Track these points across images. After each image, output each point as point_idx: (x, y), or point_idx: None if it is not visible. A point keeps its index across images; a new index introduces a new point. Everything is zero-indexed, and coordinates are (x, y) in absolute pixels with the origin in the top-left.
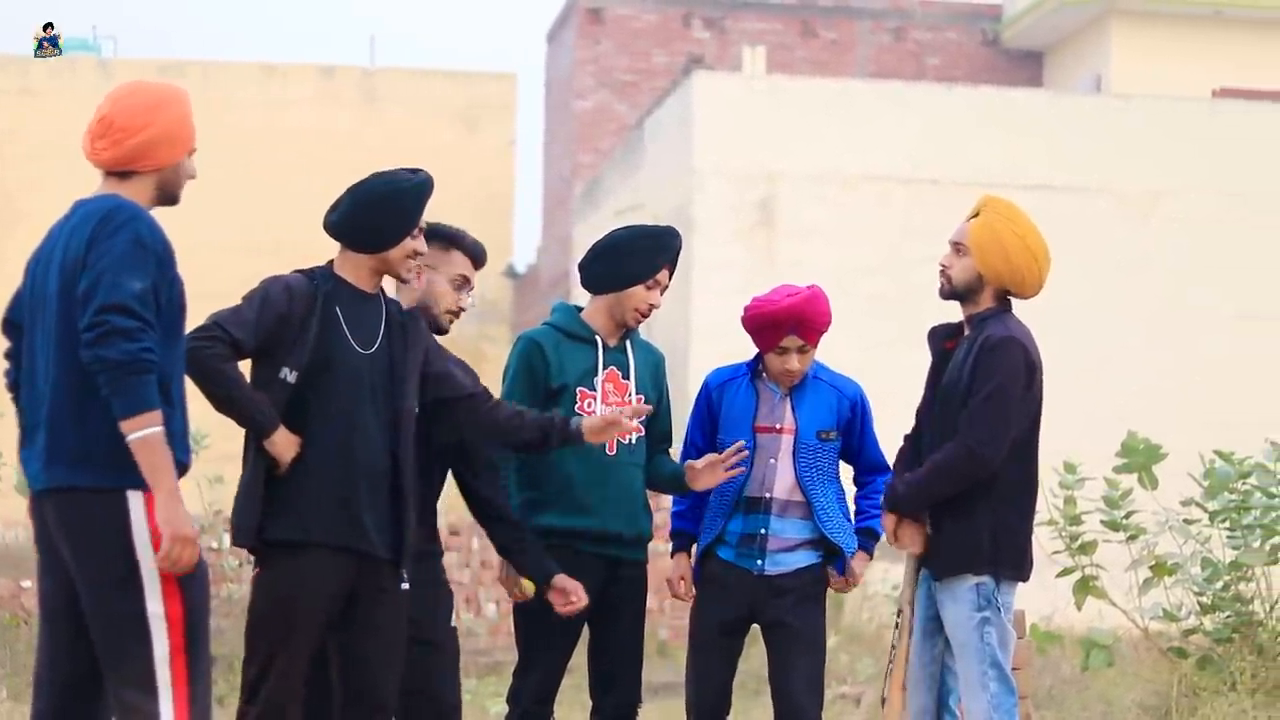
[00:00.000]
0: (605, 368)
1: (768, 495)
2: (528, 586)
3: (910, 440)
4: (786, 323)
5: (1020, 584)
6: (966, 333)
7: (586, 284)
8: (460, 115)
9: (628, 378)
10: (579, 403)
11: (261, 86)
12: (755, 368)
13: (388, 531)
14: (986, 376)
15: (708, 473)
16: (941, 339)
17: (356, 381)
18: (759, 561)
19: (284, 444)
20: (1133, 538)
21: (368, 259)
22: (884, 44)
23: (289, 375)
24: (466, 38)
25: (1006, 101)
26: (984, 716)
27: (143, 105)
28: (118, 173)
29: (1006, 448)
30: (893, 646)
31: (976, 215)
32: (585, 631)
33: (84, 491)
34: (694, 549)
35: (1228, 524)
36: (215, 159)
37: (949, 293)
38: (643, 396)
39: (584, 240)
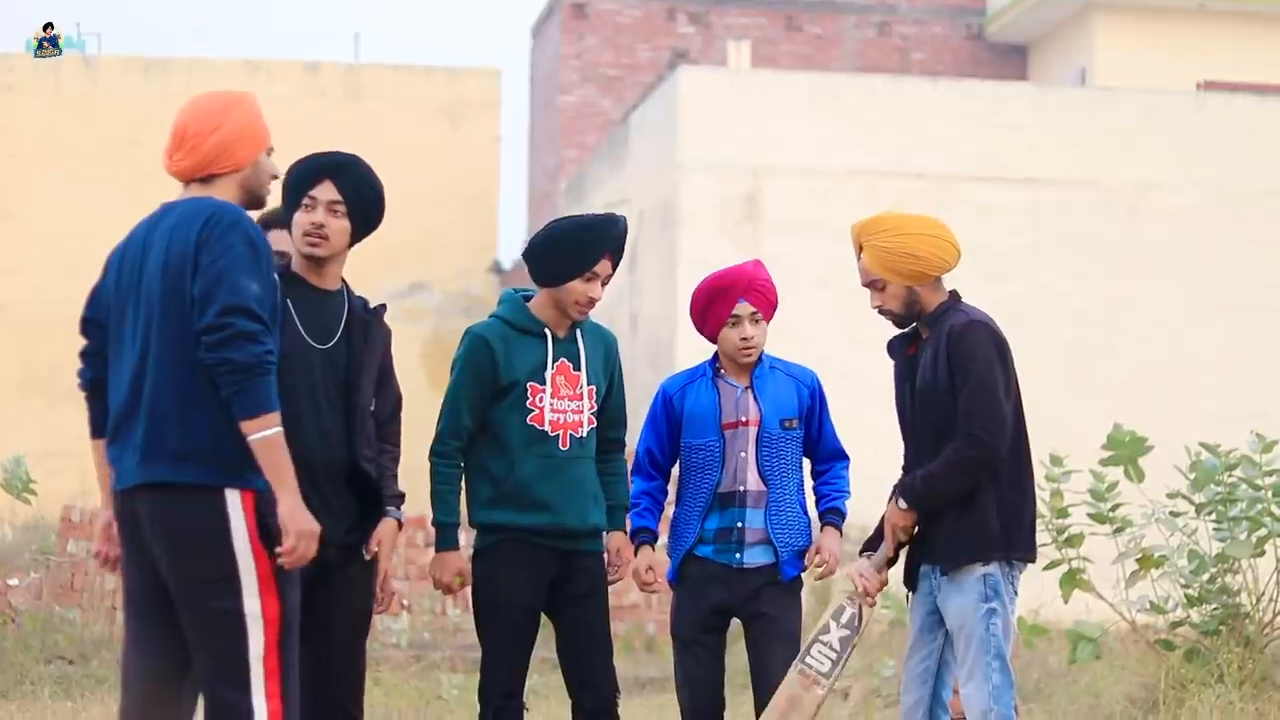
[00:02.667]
0: (555, 360)
1: (741, 489)
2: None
3: (905, 462)
4: (736, 285)
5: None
6: (925, 335)
7: (532, 277)
8: (445, 111)
9: (579, 369)
10: (530, 397)
11: (246, 83)
12: (714, 366)
13: (345, 519)
14: (964, 365)
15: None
16: (902, 347)
17: (309, 375)
18: (737, 555)
19: None
20: (1119, 530)
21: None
22: (868, 38)
23: None
24: (451, 34)
25: (991, 95)
26: (984, 706)
27: (212, 109)
28: (200, 179)
29: (1009, 430)
30: (827, 629)
31: (861, 249)
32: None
33: (183, 489)
34: (657, 545)
35: (1214, 516)
36: None
37: (900, 320)
38: (594, 388)
39: None
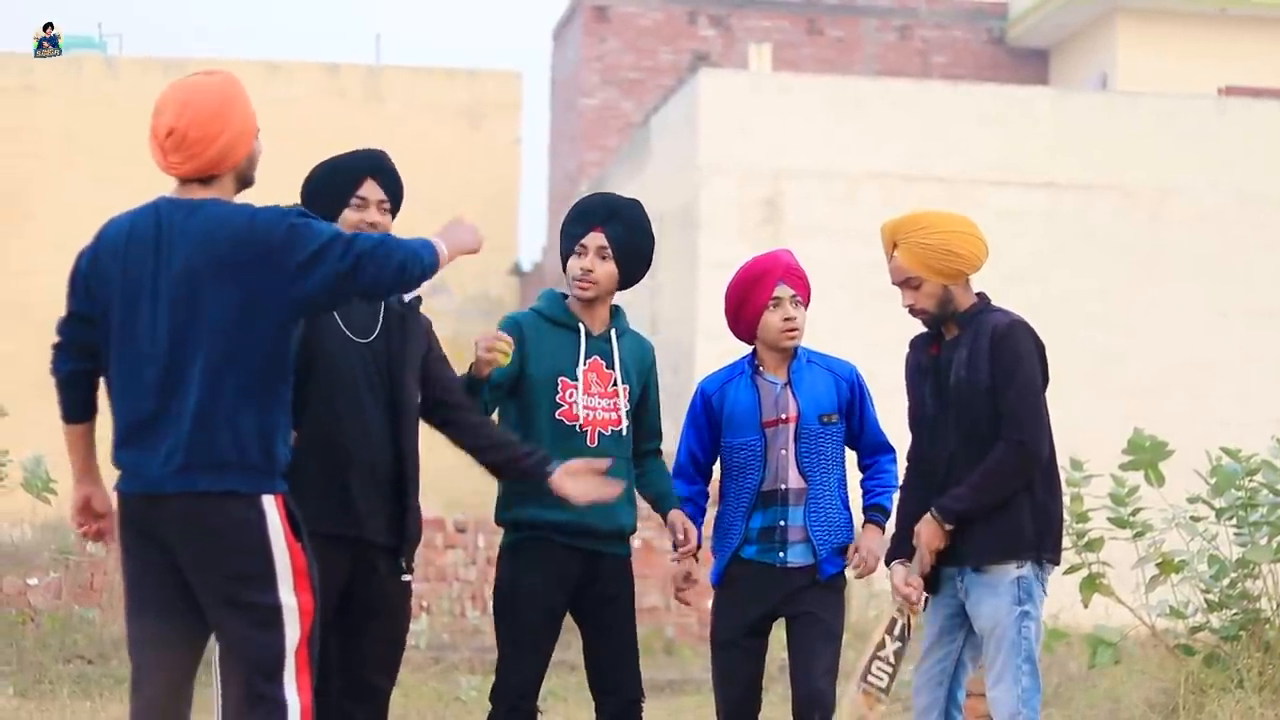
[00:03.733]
0: (588, 357)
1: (783, 487)
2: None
3: (913, 461)
4: (774, 269)
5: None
6: (953, 334)
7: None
8: (466, 113)
9: (611, 367)
10: (560, 392)
11: (267, 84)
12: (752, 363)
13: (388, 520)
14: (1009, 366)
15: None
16: (925, 345)
17: (350, 370)
18: (781, 554)
19: None
20: (1139, 535)
21: None
22: (890, 42)
23: None
24: (472, 36)
25: (1012, 99)
26: (1012, 709)
27: (210, 113)
28: (199, 179)
29: (1050, 435)
30: (883, 645)
31: (895, 247)
32: (575, 631)
33: (223, 495)
34: (703, 552)
35: (1235, 521)
36: None
37: (932, 320)
38: (627, 388)
39: None
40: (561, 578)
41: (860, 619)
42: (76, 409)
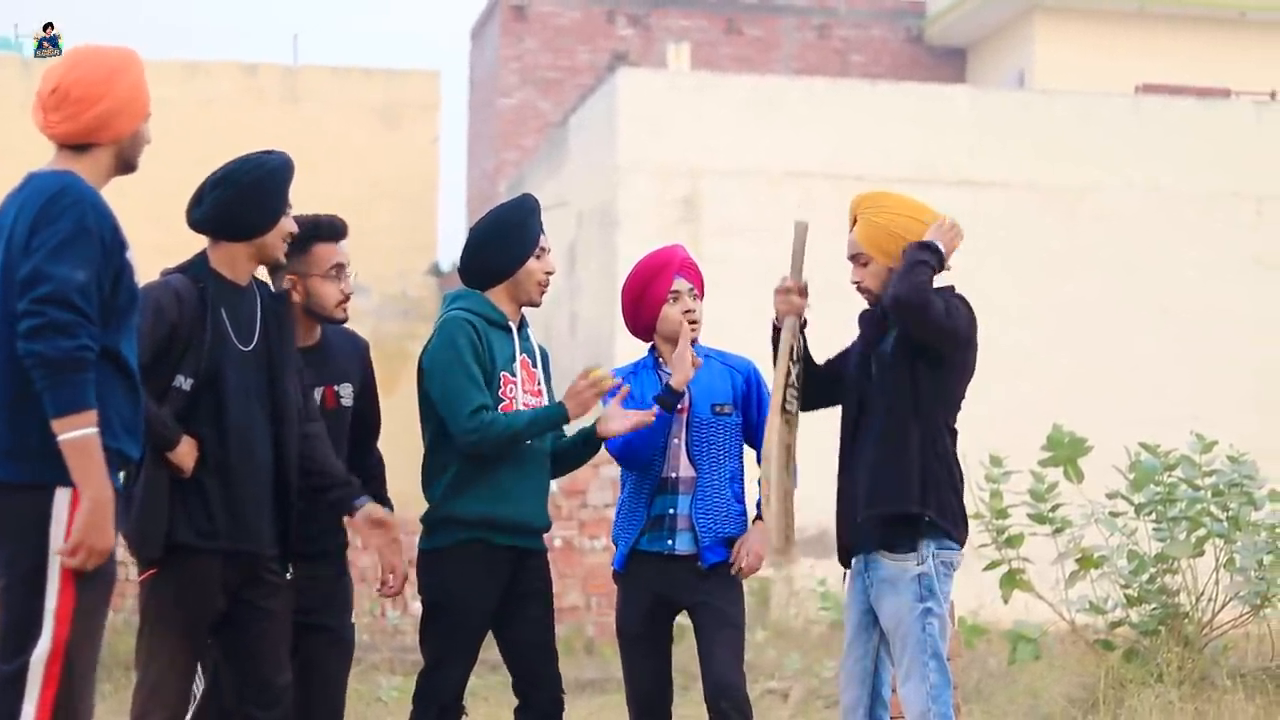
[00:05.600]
0: (520, 354)
1: (673, 475)
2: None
3: (846, 428)
4: (670, 263)
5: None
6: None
7: (475, 281)
8: (384, 113)
9: (536, 366)
10: (503, 387)
11: (184, 84)
12: (655, 358)
13: (273, 527)
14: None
15: (615, 414)
16: (876, 320)
17: (243, 379)
18: (669, 541)
19: (186, 453)
20: (1059, 531)
21: (244, 247)
22: (808, 41)
23: (185, 383)
24: (390, 35)
25: (931, 98)
26: (922, 706)
27: (98, 75)
28: (74, 146)
29: (942, 320)
30: (789, 372)
31: (855, 221)
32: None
33: (13, 486)
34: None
35: (1154, 517)
36: None
37: (875, 301)
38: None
39: None
40: (497, 579)
41: (781, 616)
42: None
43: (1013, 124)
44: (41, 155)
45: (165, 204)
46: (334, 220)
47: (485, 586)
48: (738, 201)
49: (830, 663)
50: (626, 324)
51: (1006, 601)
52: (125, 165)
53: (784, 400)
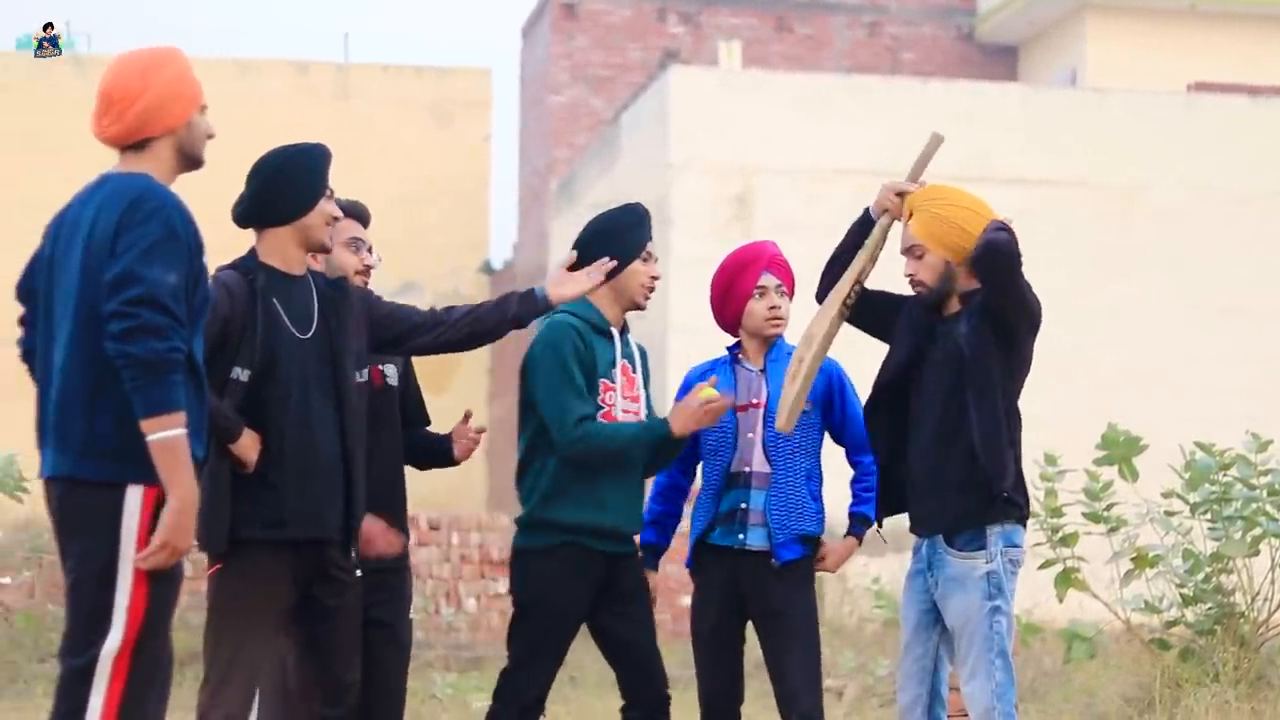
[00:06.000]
0: (621, 359)
1: (747, 470)
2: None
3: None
4: (760, 258)
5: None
6: (956, 309)
7: None
8: (435, 111)
9: (636, 372)
10: (601, 394)
11: (236, 83)
12: (734, 353)
13: (341, 515)
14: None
15: (685, 410)
16: (928, 308)
17: (302, 369)
18: (740, 536)
19: (249, 446)
20: (1114, 530)
21: (290, 232)
22: (859, 39)
23: (242, 375)
24: (441, 34)
25: (981, 96)
26: (987, 704)
27: (136, 71)
28: (133, 146)
29: (1024, 287)
30: (864, 271)
31: (911, 215)
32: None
33: (88, 484)
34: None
35: (1209, 516)
36: None
37: (930, 295)
38: (646, 393)
39: (560, 235)
40: (590, 582)
41: (835, 614)
42: None
43: (1064, 122)
44: (95, 152)
45: (218, 203)
46: (356, 203)
47: (578, 589)
48: (789, 199)
49: (884, 661)
50: (715, 316)
51: (1061, 600)
52: (188, 159)
53: (848, 294)
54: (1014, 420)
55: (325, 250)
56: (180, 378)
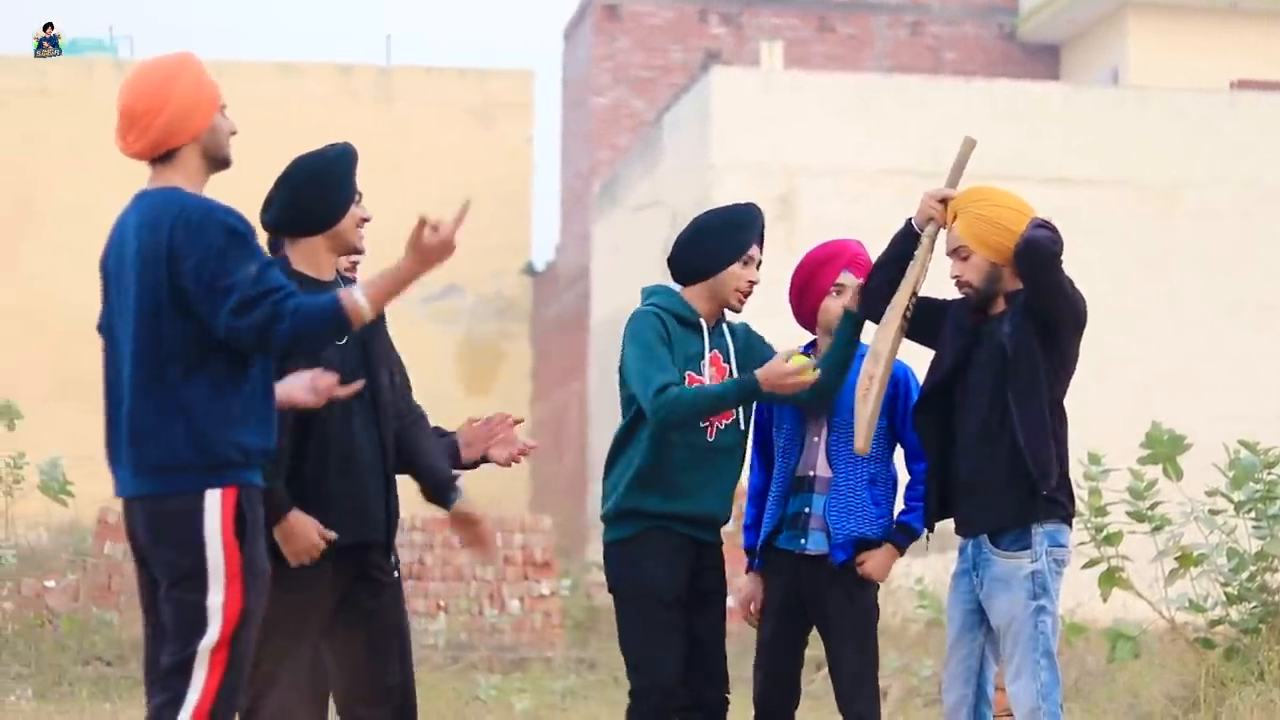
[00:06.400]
0: (710, 351)
1: (810, 474)
2: None
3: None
4: (841, 255)
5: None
6: (1002, 309)
7: (680, 276)
8: (477, 113)
9: (728, 361)
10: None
11: (278, 85)
12: (808, 353)
13: (384, 514)
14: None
15: (776, 367)
16: (973, 309)
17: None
18: (802, 540)
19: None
20: (1158, 529)
21: (322, 240)
22: (901, 38)
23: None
24: (483, 36)
25: (1024, 95)
26: (1033, 703)
27: (155, 85)
28: (160, 158)
29: (1066, 284)
30: (918, 281)
31: (955, 217)
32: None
33: (169, 496)
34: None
35: (1253, 514)
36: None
37: (977, 296)
38: None
39: (603, 237)
40: (683, 561)
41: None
42: None
43: (1106, 121)
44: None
45: (259, 204)
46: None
47: (674, 565)
48: (832, 200)
49: (929, 661)
50: (793, 311)
51: (1105, 600)
52: (216, 161)
53: (907, 307)
54: (1059, 419)
55: (358, 253)
56: (309, 309)
